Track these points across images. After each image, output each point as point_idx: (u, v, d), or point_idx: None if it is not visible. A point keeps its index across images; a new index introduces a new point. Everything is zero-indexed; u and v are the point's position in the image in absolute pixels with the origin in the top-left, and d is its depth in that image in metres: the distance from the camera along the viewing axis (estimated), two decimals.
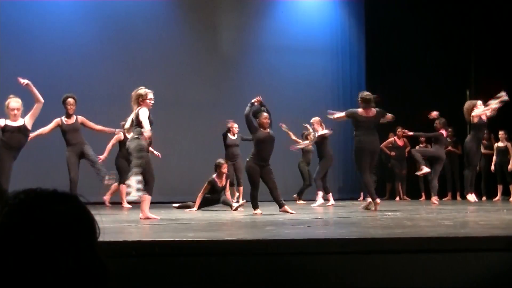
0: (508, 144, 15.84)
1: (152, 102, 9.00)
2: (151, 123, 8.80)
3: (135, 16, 15.58)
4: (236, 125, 13.75)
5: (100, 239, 1.71)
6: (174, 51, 16.09)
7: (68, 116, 11.45)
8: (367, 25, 19.32)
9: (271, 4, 17.96)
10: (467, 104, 13.34)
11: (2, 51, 13.87)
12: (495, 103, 12.92)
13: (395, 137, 17.53)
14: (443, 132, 13.93)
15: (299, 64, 17.75)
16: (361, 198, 17.05)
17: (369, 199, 10.77)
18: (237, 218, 8.91)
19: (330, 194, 14.09)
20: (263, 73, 17.27)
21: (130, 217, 9.33)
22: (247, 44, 17.21)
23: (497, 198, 15.82)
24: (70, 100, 11.47)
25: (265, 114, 10.43)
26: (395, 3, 18.64)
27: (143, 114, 8.70)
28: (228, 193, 13.15)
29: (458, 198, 16.41)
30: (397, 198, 17.43)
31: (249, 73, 17.08)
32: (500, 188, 16.02)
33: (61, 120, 11.46)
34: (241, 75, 16.91)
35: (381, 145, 17.42)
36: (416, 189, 17.30)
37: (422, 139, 17.11)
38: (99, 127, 11.73)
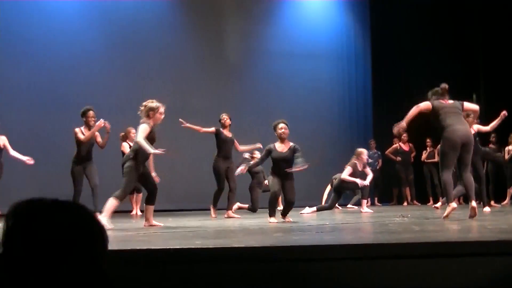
0: None
1: (162, 116, 9.05)
2: (153, 139, 8.86)
3: (140, 22, 15.61)
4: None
5: (108, 247, 1.71)
6: (179, 58, 16.10)
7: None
8: (372, 30, 19.33)
9: (276, 10, 17.98)
10: None
11: (6, 58, 13.90)
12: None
13: (400, 143, 17.53)
14: None
15: (304, 69, 17.75)
16: (368, 203, 17.06)
17: None
18: (245, 225, 8.90)
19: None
20: (269, 79, 17.27)
21: (137, 225, 9.33)
22: (252, 50, 17.23)
23: (505, 202, 15.76)
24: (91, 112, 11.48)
25: (281, 124, 10.00)
26: (400, 7, 18.64)
27: (141, 130, 8.77)
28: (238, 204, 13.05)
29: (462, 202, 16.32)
30: (405, 203, 17.40)
31: (255, 79, 17.09)
32: (510, 191, 15.93)
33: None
34: (246, 81, 16.92)
35: (386, 152, 17.47)
36: (424, 194, 17.28)
37: (429, 143, 17.10)
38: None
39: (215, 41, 16.75)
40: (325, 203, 14.17)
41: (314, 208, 12.92)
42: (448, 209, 9.14)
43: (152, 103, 8.99)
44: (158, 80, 15.57)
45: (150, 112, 8.91)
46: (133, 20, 15.52)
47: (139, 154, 8.75)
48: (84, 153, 11.28)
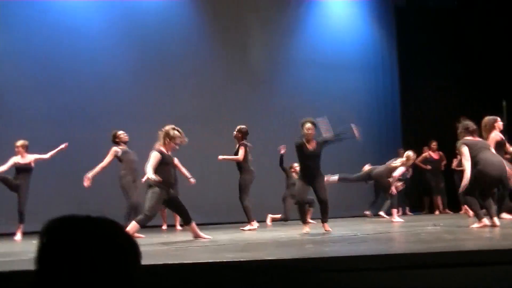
0: None
1: (177, 147, 9.14)
2: (169, 164, 9.04)
3: (166, 35, 15.64)
4: None
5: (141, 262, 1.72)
6: (205, 69, 16.13)
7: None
8: (398, 39, 19.23)
9: (301, 21, 17.95)
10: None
11: (34, 76, 14.03)
12: None
13: (430, 151, 17.43)
14: None
15: (330, 80, 17.68)
16: (400, 213, 16.92)
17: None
18: (276, 237, 8.89)
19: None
20: (294, 90, 17.23)
21: (169, 240, 9.35)
22: (278, 61, 17.20)
23: None
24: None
25: (308, 124, 9.92)
26: (426, 15, 18.54)
27: (152, 157, 8.89)
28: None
29: None
30: (437, 212, 17.27)
31: (280, 90, 17.06)
32: None
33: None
34: (272, 93, 16.89)
35: (416, 160, 17.32)
36: (456, 202, 17.11)
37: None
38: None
39: (240, 52, 16.74)
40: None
41: (336, 177, 12.95)
42: (479, 225, 9.12)
43: (172, 131, 9.05)
44: (184, 91, 15.58)
45: (166, 139, 8.98)
46: (158, 33, 15.55)
47: (163, 181, 8.79)
48: (132, 168, 11.53)
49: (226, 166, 12.71)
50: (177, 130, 9.09)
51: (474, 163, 9.42)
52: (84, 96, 14.43)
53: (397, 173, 13.55)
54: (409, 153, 13.96)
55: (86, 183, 11.18)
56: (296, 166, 13.59)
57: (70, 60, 14.45)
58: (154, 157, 8.84)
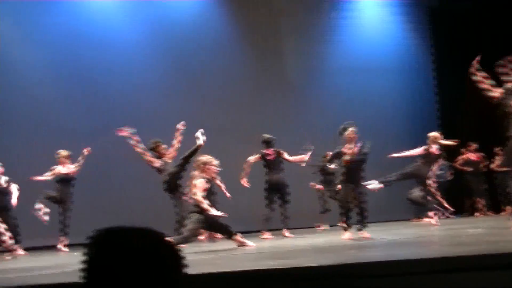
0: None
1: (216, 168, 9.29)
2: (211, 191, 9.26)
3: (197, 43, 15.68)
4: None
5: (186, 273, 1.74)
6: (238, 78, 16.16)
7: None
8: (433, 40, 19.08)
9: (334, 25, 17.91)
10: None
11: (66, 87, 14.17)
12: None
13: (469, 153, 17.25)
14: None
15: (364, 84, 17.59)
16: (441, 215, 16.74)
17: None
18: (317, 244, 8.87)
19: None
20: (330, 97, 17.18)
21: (211, 248, 9.38)
22: (311, 68, 17.15)
23: None
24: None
25: (350, 128, 9.52)
26: (460, 14, 18.37)
27: (199, 186, 8.94)
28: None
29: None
30: (478, 214, 17.08)
31: (316, 98, 17.03)
32: None
33: None
34: (308, 101, 16.86)
35: (456, 162, 17.15)
36: (498, 204, 16.91)
37: (499, 152, 16.77)
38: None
39: (273, 59, 16.74)
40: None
41: (380, 185, 12.56)
42: None
43: (203, 157, 9.18)
44: (218, 101, 15.62)
45: (202, 166, 9.07)
46: (189, 41, 15.57)
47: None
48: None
49: (254, 176, 12.67)
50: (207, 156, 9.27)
51: (509, 134, 9.11)
52: (118, 107, 14.52)
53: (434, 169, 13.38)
54: (434, 133, 13.54)
55: (123, 132, 11.64)
56: (329, 153, 13.57)
57: (103, 71, 14.59)
58: (202, 185, 8.95)
